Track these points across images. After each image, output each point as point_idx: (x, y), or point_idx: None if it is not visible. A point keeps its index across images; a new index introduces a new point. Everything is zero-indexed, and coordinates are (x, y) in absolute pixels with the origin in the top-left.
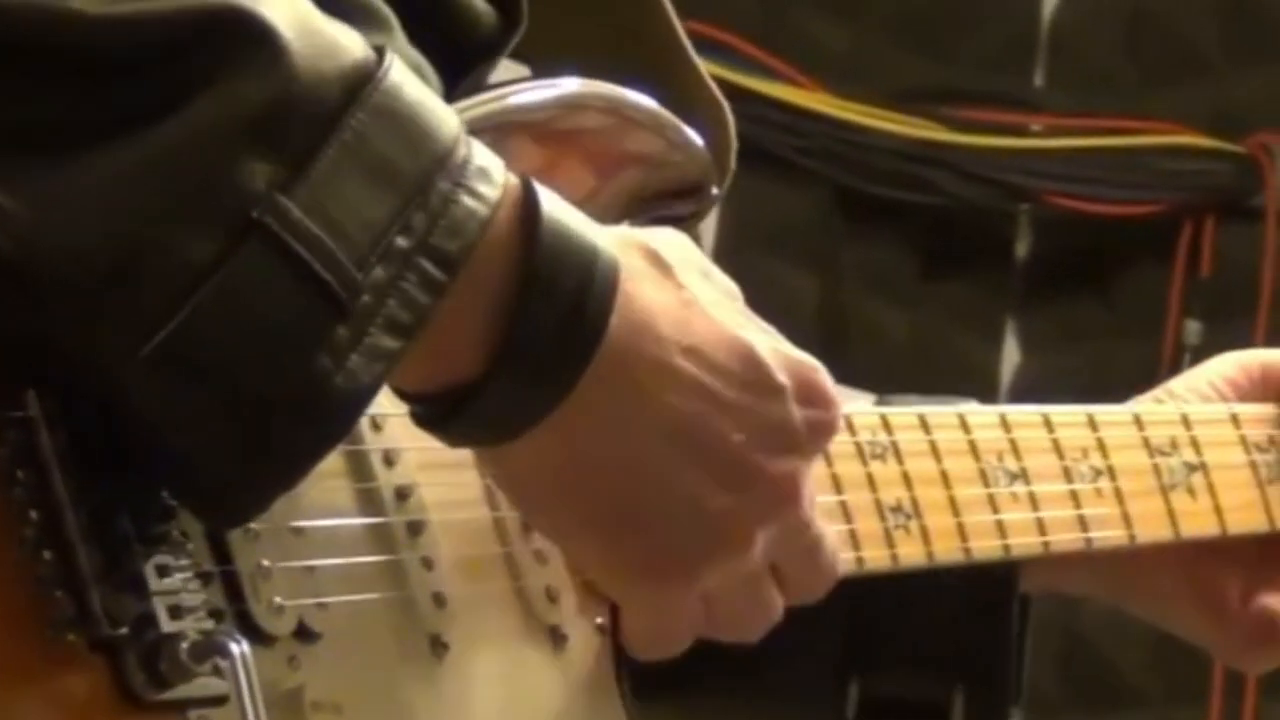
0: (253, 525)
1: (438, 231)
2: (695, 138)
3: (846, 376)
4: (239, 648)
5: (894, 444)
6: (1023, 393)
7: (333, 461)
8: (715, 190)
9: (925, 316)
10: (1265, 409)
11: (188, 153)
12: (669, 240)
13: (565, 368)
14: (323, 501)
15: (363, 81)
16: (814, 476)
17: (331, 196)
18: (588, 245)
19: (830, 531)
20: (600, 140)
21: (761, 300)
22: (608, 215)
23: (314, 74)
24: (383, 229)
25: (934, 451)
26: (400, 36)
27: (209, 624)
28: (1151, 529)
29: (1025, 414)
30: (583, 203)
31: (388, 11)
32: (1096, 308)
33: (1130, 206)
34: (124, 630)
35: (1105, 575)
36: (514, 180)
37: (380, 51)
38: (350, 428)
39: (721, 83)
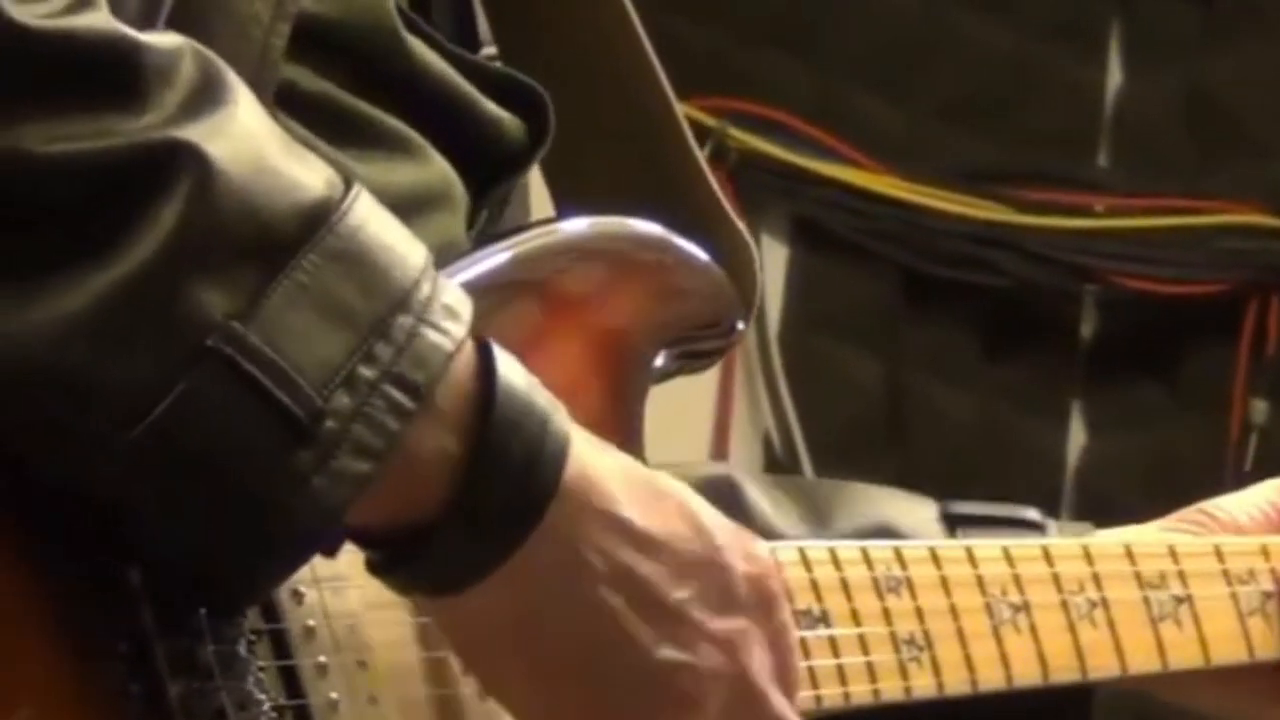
0: (323, 658)
1: (404, 362)
2: (723, 274)
3: (910, 459)
4: None
5: (908, 578)
6: (1089, 474)
7: (395, 594)
8: (741, 325)
9: (990, 398)
10: (1247, 542)
11: (133, 288)
12: None
13: (513, 527)
14: (386, 634)
15: (320, 220)
16: (771, 643)
17: (285, 330)
18: (539, 410)
19: (786, 705)
20: (637, 273)
21: (825, 382)
22: (643, 345)
23: (265, 210)
24: (339, 364)
25: (944, 585)
26: (435, 161)
27: None
28: (1141, 660)
29: (1026, 548)
30: (617, 330)
31: (420, 140)
32: (1162, 388)
33: (1195, 285)
34: None
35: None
36: (472, 340)
37: (348, 185)
38: (314, 550)
39: (785, 165)
